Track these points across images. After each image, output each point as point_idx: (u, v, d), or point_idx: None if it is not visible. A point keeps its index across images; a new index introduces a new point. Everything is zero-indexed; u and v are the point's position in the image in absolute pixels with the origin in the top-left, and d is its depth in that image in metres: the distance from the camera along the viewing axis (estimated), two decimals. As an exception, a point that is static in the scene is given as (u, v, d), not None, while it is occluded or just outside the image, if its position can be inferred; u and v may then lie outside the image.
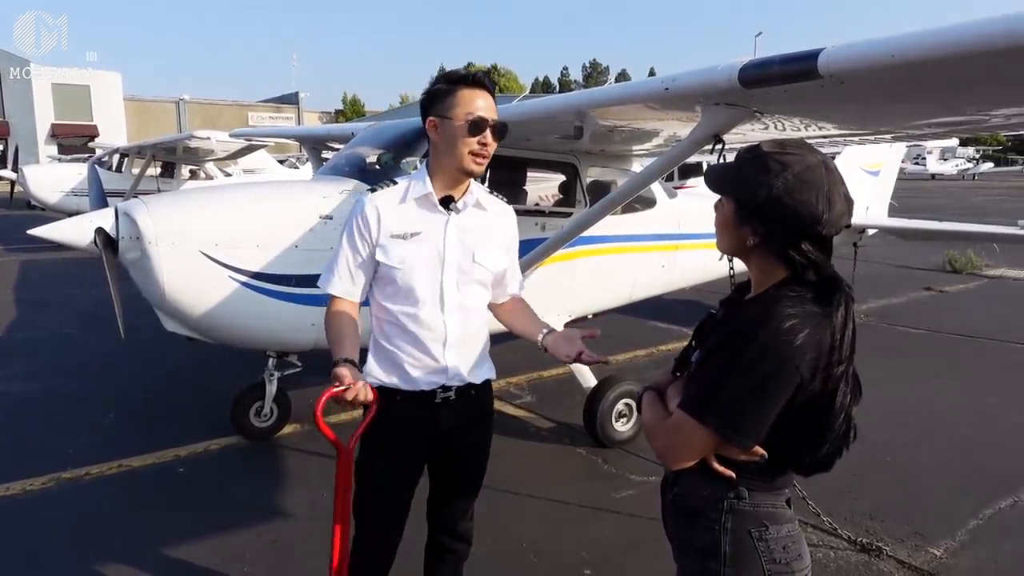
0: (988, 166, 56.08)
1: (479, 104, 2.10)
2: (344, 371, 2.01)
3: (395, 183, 2.22)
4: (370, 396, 2.02)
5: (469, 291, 2.24)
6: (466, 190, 2.22)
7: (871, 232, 8.92)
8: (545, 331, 2.28)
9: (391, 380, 2.23)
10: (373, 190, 2.22)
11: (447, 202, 2.19)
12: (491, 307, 2.44)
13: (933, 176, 49.37)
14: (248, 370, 5.16)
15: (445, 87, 2.13)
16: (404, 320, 2.19)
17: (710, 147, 3.30)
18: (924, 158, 48.94)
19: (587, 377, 4.99)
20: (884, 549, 3.47)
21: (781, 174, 1.49)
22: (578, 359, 2.15)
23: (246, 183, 12.35)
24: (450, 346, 2.22)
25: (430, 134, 2.16)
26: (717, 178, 1.64)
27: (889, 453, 4.67)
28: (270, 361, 4.71)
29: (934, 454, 4.72)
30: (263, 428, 4.82)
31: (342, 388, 1.97)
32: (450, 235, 2.19)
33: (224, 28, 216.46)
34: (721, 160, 3.10)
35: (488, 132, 2.10)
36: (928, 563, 3.40)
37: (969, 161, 54.27)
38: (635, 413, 4.85)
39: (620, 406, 4.78)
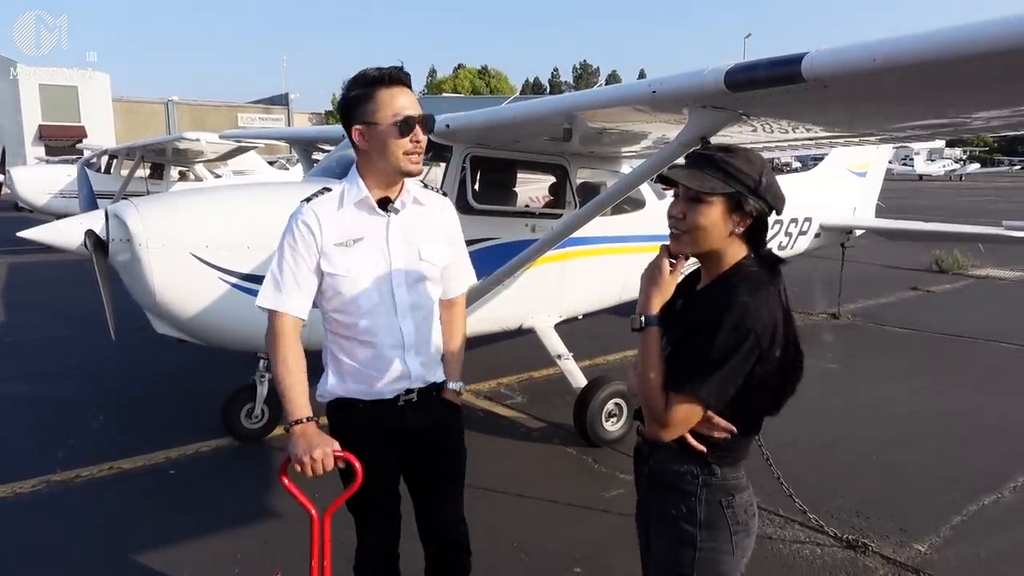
0: (975, 167, 56.48)
1: (402, 102, 2.03)
2: (304, 451, 1.98)
3: (329, 190, 2.16)
4: (330, 465, 1.99)
5: (420, 290, 2.21)
6: (402, 189, 2.17)
7: (858, 233, 9.01)
8: (449, 383, 2.34)
9: (349, 391, 2.20)
10: (309, 199, 2.14)
11: (385, 203, 2.14)
12: (442, 305, 2.39)
13: (921, 177, 49.70)
14: (239, 372, 5.16)
15: (363, 92, 2.04)
16: (359, 331, 2.14)
17: (698, 149, 3.34)
18: (912, 159, 49.32)
19: (577, 377, 5.02)
20: (870, 545, 3.51)
21: (763, 164, 1.75)
22: None
23: (236, 185, 12.30)
24: (409, 349, 2.19)
25: (358, 143, 2.09)
26: (701, 179, 1.74)
27: (875, 451, 4.72)
28: (261, 363, 4.72)
29: (919, 452, 4.77)
30: (254, 430, 4.83)
31: (303, 468, 1.97)
32: (393, 236, 2.15)
33: (213, 29, 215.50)
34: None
35: (418, 129, 2.05)
36: (913, 559, 3.44)
37: (956, 162, 54.65)
38: (625, 412, 4.88)
39: (610, 406, 4.81)
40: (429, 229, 2.23)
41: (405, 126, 2.03)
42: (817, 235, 8.21)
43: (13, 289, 10.64)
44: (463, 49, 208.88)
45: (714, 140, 3.30)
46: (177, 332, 4.19)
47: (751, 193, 1.72)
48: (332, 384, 2.23)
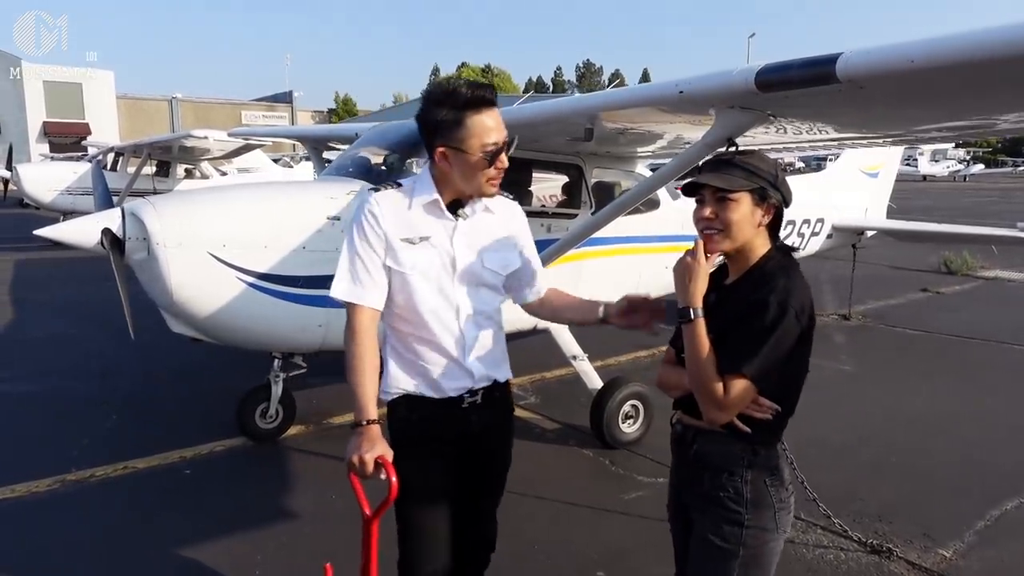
0: (979, 168, 56.40)
1: (492, 129, 2.00)
2: (353, 452, 1.93)
3: (399, 185, 2.13)
4: (369, 471, 1.93)
5: (482, 295, 2.19)
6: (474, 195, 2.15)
7: (870, 234, 8.96)
8: (603, 306, 2.29)
9: (418, 388, 2.17)
10: (377, 189, 2.13)
11: (455, 207, 2.12)
12: (532, 308, 2.42)
13: (924, 177, 49.63)
14: (253, 371, 5.14)
15: (452, 116, 1.98)
16: (421, 328, 2.12)
17: (723, 150, 3.31)
18: (915, 160, 49.21)
19: (593, 378, 4.99)
20: (894, 550, 3.49)
21: (774, 162, 1.99)
22: (647, 325, 2.20)
23: (252, 183, 12.28)
24: (470, 350, 2.17)
25: (439, 163, 2.04)
26: (729, 180, 1.91)
27: (893, 454, 4.69)
28: (276, 362, 4.69)
29: (938, 455, 4.74)
30: (269, 429, 4.81)
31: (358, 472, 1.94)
32: (458, 241, 2.12)
33: (217, 26, 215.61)
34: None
35: (503, 155, 2.04)
36: (938, 564, 3.41)
37: (960, 163, 54.58)
38: (642, 414, 4.85)
39: (627, 407, 4.78)
40: (496, 237, 2.21)
41: (494, 156, 2.02)
42: (829, 236, 8.18)
43: (20, 286, 10.62)
44: (466, 47, 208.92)
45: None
46: (193, 331, 4.16)
47: (771, 187, 1.92)
48: (397, 378, 2.18)
